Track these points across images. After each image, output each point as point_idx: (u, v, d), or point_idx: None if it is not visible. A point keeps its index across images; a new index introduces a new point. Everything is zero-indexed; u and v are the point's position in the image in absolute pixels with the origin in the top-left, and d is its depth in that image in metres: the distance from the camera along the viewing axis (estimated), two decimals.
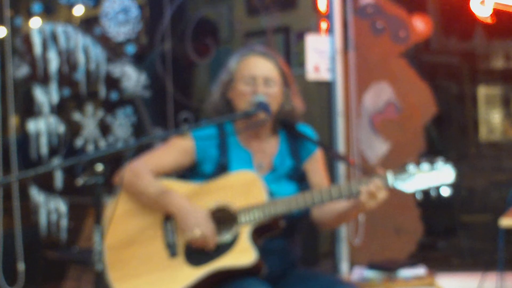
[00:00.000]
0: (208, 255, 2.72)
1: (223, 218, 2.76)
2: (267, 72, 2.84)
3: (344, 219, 2.94)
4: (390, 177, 2.70)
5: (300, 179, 2.89)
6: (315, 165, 2.95)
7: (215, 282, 2.72)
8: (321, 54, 4.25)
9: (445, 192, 2.68)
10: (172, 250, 2.74)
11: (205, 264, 2.71)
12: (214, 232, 2.72)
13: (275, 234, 2.78)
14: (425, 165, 2.69)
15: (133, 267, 2.73)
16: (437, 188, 2.67)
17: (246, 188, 2.75)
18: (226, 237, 2.74)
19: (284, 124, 2.93)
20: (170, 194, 2.77)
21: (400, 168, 2.70)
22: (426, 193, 2.68)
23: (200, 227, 2.70)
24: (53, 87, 3.92)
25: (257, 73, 2.82)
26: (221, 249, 2.72)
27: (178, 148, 2.85)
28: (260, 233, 2.75)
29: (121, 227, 2.77)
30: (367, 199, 2.67)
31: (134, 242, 2.76)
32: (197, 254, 2.73)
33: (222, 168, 2.82)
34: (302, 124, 2.97)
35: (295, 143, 2.93)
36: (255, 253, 2.69)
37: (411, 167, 2.69)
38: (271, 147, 2.91)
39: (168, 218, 2.78)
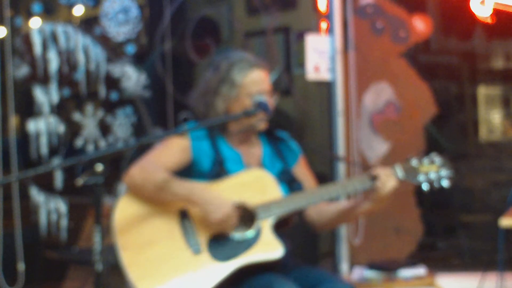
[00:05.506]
0: (234, 250, 2.74)
1: (242, 215, 2.79)
2: (270, 85, 2.93)
3: (343, 220, 3.01)
4: (398, 168, 2.84)
5: (289, 181, 2.95)
6: (303, 170, 3.04)
7: (235, 278, 2.74)
8: (321, 54, 4.25)
9: (446, 184, 2.85)
10: (195, 248, 2.73)
11: (233, 259, 2.73)
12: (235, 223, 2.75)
13: (288, 229, 2.85)
14: (425, 160, 2.88)
15: (155, 266, 2.70)
16: (439, 180, 2.84)
17: (260, 186, 2.82)
18: (249, 232, 2.77)
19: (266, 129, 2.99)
20: (192, 182, 2.78)
21: (404, 161, 2.87)
22: (429, 185, 2.87)
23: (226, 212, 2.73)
24: (53, 87, 3.92)
25: (264, 89, 2.90)
26: (246, 243, 2.75)
27: (177, 147, 2.87)
28: (277, 228, 2.80)
29: (135, 228, 2.75)
30: (386, 179, 2.77)
31: (151, 243, 2.73)
32: (221, 250, 2.74)
33: (219, 165, 2.86)
34: (280, 130, 3.07)
35: (278, 147, 3.02)
36: (281, 245, 2.75)
37: (414, 161, 2.87)
38: (256, 150, 2.98)
39: (185, 216, 2.78)
